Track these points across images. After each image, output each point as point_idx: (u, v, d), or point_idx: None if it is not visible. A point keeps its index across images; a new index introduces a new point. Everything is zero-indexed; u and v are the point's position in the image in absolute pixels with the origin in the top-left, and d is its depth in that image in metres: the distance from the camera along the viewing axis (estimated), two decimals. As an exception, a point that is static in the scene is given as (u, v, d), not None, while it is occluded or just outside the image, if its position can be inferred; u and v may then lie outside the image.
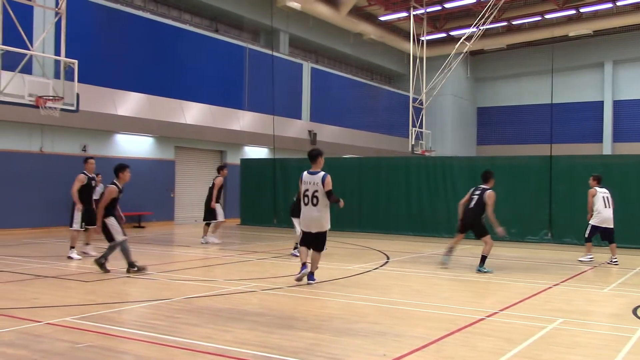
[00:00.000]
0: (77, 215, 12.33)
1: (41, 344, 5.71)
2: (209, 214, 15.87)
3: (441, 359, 5.46)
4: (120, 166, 10.62)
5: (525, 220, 17.52)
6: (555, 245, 16.38)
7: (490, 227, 11.39)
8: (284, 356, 5.41)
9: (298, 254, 12.82)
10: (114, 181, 10.52)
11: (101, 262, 10.44)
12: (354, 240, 17.28)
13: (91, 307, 7.44)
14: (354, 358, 5.45)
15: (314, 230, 9.41)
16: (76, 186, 12.30)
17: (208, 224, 15.97)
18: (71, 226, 12.41)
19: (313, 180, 9.38)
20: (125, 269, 10.37)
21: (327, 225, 9.47)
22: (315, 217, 9.33)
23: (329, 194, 9.30)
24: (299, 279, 9.45)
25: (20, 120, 17.63)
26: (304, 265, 9.48)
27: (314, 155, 9.63)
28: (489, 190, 11.33)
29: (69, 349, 5.55)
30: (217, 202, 15.84)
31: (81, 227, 12.43)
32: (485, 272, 11.16)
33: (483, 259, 11.31)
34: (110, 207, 10.38)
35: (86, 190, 12.48)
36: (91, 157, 13.00)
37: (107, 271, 10.36)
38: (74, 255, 12.18)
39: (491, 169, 12.12)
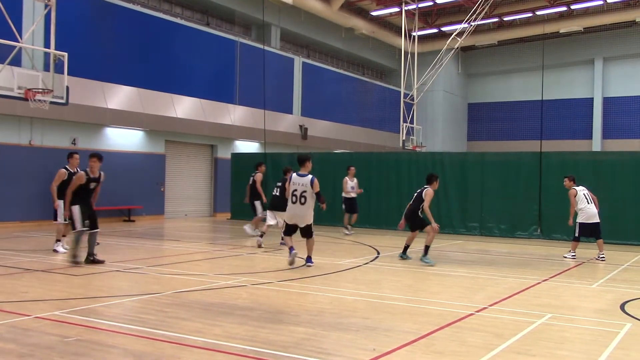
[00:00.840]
0: (61, 209, 12.26)
1: (30, 338, 5.69)
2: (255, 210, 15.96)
3: (431, 354, 5.48)
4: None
5: (515, 216, 17.61)
6: (545, 241, 16.48)
7: (427, 219, 11.80)
8: (274, 350, 5.41)
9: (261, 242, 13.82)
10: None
11: (76, 262, 10.43)
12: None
13: (80, 301, 7.41)
14: (344, 353, 5.46)
15: (301, 225, 10.71)
16: (57, 182, 12.18)
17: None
18: (55, 219, 12.36)
19: (302, 182, 10.52)
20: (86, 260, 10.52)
21: (311, 220, 10.74)
22: (303, 214, 10.59)
23: (318, 195, 10.48)
24: (291, 262, 10.58)
25: (9, 113, 17.50)
26: (292, 248, 10.67)
27: (302, 160, 10.77)
28: (427, 188, 11.91)
29: (57, 343, 5.53)
30: (257, 199, 15.89)
31: (65, 221, 12.34)
32: (427, 262, 11.52)
33: (426, 249, 11.73)
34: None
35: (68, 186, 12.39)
36: (75, 152, 12.88)
37: (80, 263, 10.46)
38: (60, 248, 12.16)
39: (435, 172, 12.88)
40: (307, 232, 10.75)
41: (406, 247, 12.35)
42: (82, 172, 10.55)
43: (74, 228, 10.46)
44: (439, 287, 9.40)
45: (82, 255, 10.55)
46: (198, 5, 26.92)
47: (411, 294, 8.61)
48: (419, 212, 11.88)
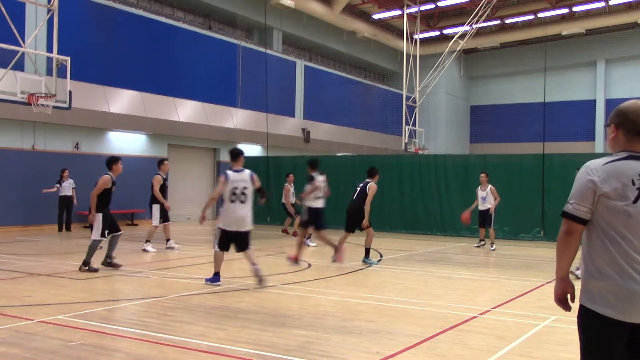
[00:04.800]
0: (156, 211, 13.37)
1: (33, 342, 5.69)
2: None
3: (434, 357, 5.47)
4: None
5: (518, 218, 17.58)
6: (548, 243, 16.44)
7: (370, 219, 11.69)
8: (277, 354, 5.41)
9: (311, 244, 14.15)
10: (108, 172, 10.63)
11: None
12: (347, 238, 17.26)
13: (83, 305, 7.41)
14: (347, 356, 5.46)
15: (244, 229, 8.97)
16: (156, 187, 13.25)
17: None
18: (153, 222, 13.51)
19: (241, 178, 8.99)
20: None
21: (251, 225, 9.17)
22: (245, 215, 8.97)
23: (260, 189, 9.29)
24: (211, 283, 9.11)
25: (12, 118, 17.54)
26: (217, 275, 9.11)
27: (236, 154, 9.23)
28: (371, 182, 11.73)
29: (61, 347, 5.53)
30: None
31: (160, 223, 13.45)
32: (370, 263, 11.49)
33: (367, 251, 11.70)
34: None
35: (162, 190, 13.44)
36: (166, 159, 13.74)
37: (119, 266, 10.61)
38: (149, 248, 13.10)
39: (375, 167, 12.33)
40: (244, 243, 9.00)
41: (367, 251, 11.88)
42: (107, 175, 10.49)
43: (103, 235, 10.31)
44: (442, 290, 9.38)
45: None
46: (200, 9, 26.97)
47: (414, 296, 8.60)
48: (363, 209, 11.44)
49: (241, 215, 8.92)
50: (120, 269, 10.45)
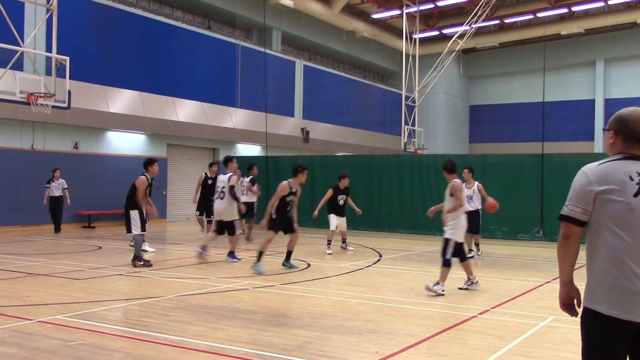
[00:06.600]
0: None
1: (32, 342, 5.69)
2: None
3: (433, 357, 5.48)
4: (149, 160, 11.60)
5: (517, 218, 17.57)
6: (547, 243, 16.45)
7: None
8: (276, 354, 5.41)
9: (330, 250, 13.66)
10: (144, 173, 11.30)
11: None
12: (347, 237, 17.27)
13: (82, 305, 7.41)
14: (346, 356, 5.46)
15: (225, 219, 11.85)
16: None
17: None
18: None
19: (224, 179, 11.98)
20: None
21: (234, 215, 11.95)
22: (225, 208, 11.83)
23: (230, 188, 11.76)
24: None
25: (11, 117, 17.53)
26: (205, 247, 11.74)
27: (225, 161, 12.27)
28: (282, 182, 10.71)
29: (60, 347, 5.53)
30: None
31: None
32: (255, 269, 10.30)
33: (258, 254, 10.47)
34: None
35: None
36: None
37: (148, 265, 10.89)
38: (148, 247, 13.06)
39: (302, 165, 11.05)
40: (229, 229, 11.85)
41: (288, 254, 11.03)
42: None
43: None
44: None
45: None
46: (199, 9, 26.96)
47: (413, 296, 8.60)
48: (285, 210, 10.69)
49: None
50: (120, 268, 10.45)
